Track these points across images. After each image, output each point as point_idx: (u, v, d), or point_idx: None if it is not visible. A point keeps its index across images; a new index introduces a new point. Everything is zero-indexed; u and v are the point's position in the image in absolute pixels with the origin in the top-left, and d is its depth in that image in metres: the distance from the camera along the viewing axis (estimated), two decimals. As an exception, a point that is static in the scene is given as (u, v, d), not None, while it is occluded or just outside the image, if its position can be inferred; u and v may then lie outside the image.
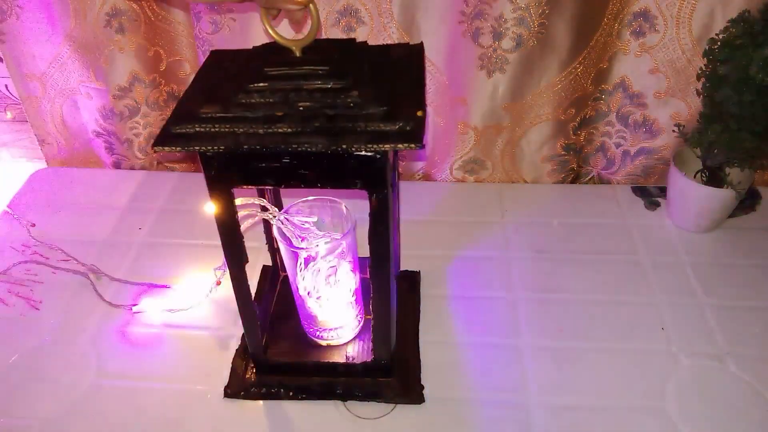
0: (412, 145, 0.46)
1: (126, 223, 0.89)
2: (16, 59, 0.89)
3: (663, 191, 0.89)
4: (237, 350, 0.70)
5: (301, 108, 0.48)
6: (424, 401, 0.64)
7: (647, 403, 0.64)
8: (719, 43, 0.72)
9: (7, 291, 0.78)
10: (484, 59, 0.81)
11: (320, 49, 0.50)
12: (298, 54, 0.49)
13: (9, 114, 1.03)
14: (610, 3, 0.76)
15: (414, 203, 0.89)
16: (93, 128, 0.96)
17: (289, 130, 0.48)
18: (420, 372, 0.67)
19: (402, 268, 0.78)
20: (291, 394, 0.65)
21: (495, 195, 0.92)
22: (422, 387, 0.65)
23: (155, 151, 0.48)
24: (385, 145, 0.47)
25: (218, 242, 0.55)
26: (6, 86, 1.00)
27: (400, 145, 0.46)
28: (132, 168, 1.00)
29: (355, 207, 0.62)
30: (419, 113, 0.48)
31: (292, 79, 0.49)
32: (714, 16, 0.76)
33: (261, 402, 0.65)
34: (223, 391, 0.66)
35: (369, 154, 0.48)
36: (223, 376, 0.67)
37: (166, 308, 0.75)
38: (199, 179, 0.52)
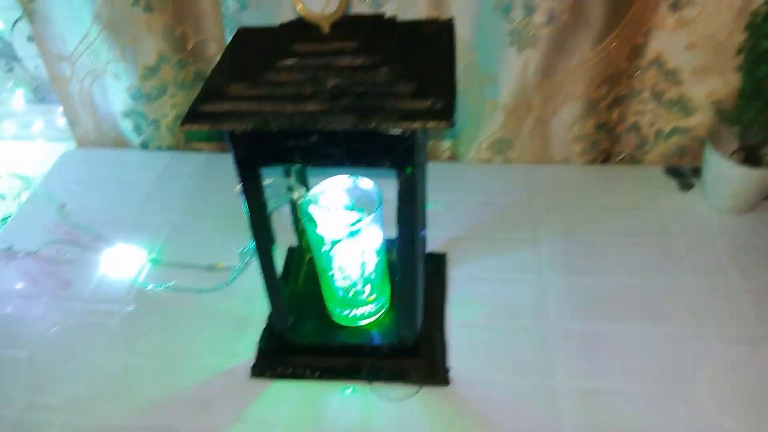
0: (443, 124, 0.45)
1: (154, 203, 0.89)
2: (46, 39, 0.90)
3: (697, 172, 0.87)
4: (264, 330, 0.70)
5: (329, 86, 0.48)
6: (449, 384, 0.64)
7: (678, 388, 0.63)
8: (762, 16, 0.69)
9: (38, 270, 0.79)
10: (515, 35, 0.79)
11: (349, 26, 0.49)
12: (326, 30, 0.49)
13: (40, 96, 1.04)
14: (646, -24, 0.74)
15: (441, 183, 0.88)
16: (121, 109, 0.96)
17: (318, 108, 0.47)
18: (446, 354, 0.67)
19: (428, 250, 0.78)
20: (317, 374, 0.65)
21: (523, 176, 0.90)
22: (448, 369, 0.65)
23: (184, 130, 0.47)
24: (415, 124, 0.46)
25: (245, 222, 0.55)
26: (36, 66, 1.01)
27: (430, 124, 0.45)
28: (160, 148, 1.00)
29: (383, 185, 0.61)
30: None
31: (321, 56, 0.48)
32: (756, -11, 0.73)
33: (287, 382, 0.66)
34: (250, 371, 0.66)
35: (398, 132, 0.47)
36: (249, 356, 0.68)
37: (194, 288, 0.75)
38: (226, 160, 0.52)
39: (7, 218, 0.89)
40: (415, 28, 0.56)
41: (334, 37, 0.48)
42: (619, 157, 0.92)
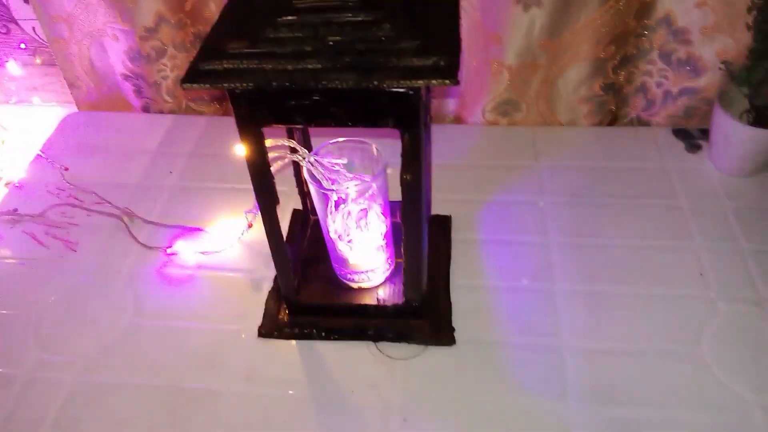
0: (447, 81, 0.44)
1: (157, 166, 0.89)
2: (43, 0, 0.88)
3: (705, 133, 0.85)
4: (270, 292, 0.71)
5: (330, 43, 0.47)
6: (454, 343, 0.65)
7: (683, 349, 0.63)
8: (775, -28, 0.67)
9: (44, 233, 0.80)
10: (521, -7, 0.77)
11: (350, -20, 0.48)
12: (327, -14, 0.47)
13: (38, 59, 1.03)
14: (657, -70, 0.72)
15: (445, 147, 0.87)
16: (121, 71, 0.95)
17: (319, 66, 0.46)
18: (451, 315, 0.67)
19: (433, 213, 0.77)
20: (323, 334, 0.66)
21: (529, 138, 0.89)
22: (453, 329, 0.65)
23: (184, 89, 0.47)
24: (419, 81, 0.45)
25: (249, 185, 0.55)
26: (33, 28, 1.00)
27: (434, 81, 0.44)
28: (161, 111, 0.99)
29: (386, 149, 0.60)
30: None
31: (322, 12, 0.47)
32: (771, -57, 0.71)
33: (294, 342, 0.66)
34: (257, 331, 0.67)
35: (401, 90, 0.46)
36: (256, 316, 0.68)
37: (199, 251, 0.76)
38: (228, 123, 0.52)
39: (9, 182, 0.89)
40: (418, -17, 0.55)
41: (335, -8, 0.47)
42: (626, 119, 0.91)
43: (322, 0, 0.47)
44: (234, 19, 0.52)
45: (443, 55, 0.46)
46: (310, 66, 0.46)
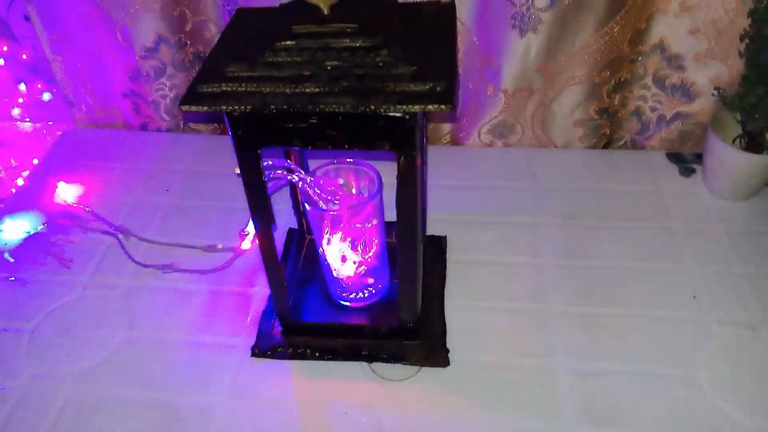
0: (443, 107, 0.45)
1: (153, 184, 0.89)
2: (44, 19, 0.89)
3: (699, 158, 0.86)
4: (264, 311, 0.71)
5: (328, 67, 0.47)
6: (449, 364, 0.64)
7: (677, 371, 0.63)
8: (766, 2, 0.68)
9: (39, 250, 0.79)
10: (517, 18, 0.79)
11: (349, 7, 0.49)
12: (326, 12, 0.48)
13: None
14: (650, -41, 0.73)
15: (441, 167, 0.88)
16: (119, 89, 0.96)
17: (317, 90, 0.47)
18: (445, 336, 0.67)
19: (428, 233, 0.78)
20: (317, 354, 0.66)
21: (524, 160, 0.90)
22: (447, 350, 0.65)
23: (182, 110, 0.47)
24: (415, 106, 0.45)
25: (245, 204, 0.55)
26: (33, 46, 1.00)
27: (430, 106, 0.45)
28: (159, 130, 1.00)
29: (382, 170, 0.61)
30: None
31: (320, 38, 0.48)
32: (761, -27, 0.72)
33: (287, 361, 0.66)
34: (250, 350, 0.67)
35: (398, 115, 0.47)
36: (250, 335, 0.68)
37: (194, 269, 0.76)
38: (226, 141, 0.52)
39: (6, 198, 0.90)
40: (415, 10, 0.56)
41: (333, 18, 0.48)
42: (621, 143, 0.92)
43: (321, 25, 0.48)
44: (233, 43, 0.53)
45: (440, 80, 0.46)
46: (308, 90, 0.47)
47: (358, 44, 0.47)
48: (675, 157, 0.88)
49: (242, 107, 0.47)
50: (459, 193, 0.85)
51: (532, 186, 0.85)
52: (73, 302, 0.73)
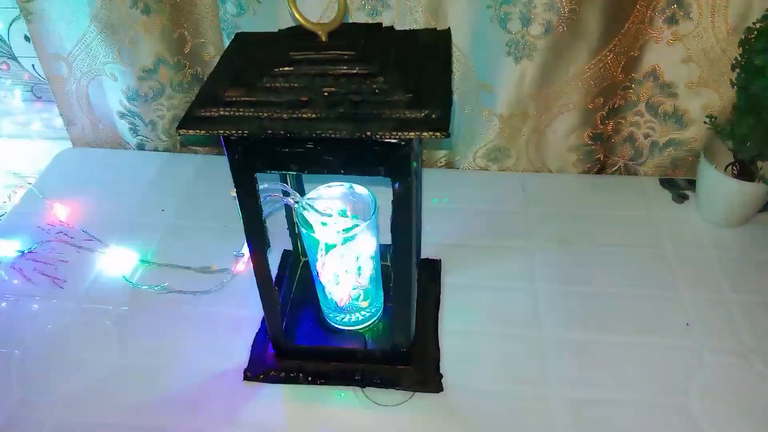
0: (438, 134, 0.45)
1: (149, 204, 0.89)
2: (43, 39, 0.90)
3: (691, 184, 0.87)
4: (257, 334, 0.70)
5: (326, 93, 0.48)
6: (442, 390, 0.64)
7: (669, 400, 0.63)
8: (756, 33, 0.70)
9: (32, 269, 0.79)
10: (512, 45, 0.80)
11: (346, 34, 0.49)
12: (323, 38, 0.49)
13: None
14: (643, -11, 0.75)
15: (436, 191, 0.88)
16: (118, 109, 0.96)
17: (314, 115, 0.47)
18: (439, 361, 0.67)
19: (423, 256, 0.78)
20: (310, 378, 0.65)
21: (518, 184, 0.90)
22: (441, 376, 0.65)
23: (180, 134, 0.48)
24: (411, 133, 0.46)
25: (240, 225, 0.55)
26: (33, 66, 1.01)
27: (425, 134, 0.46)
28: (156, 150, 1.00)
29: (378, 194, 0.61)
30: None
31: (318, 64, 0.48)
32: (751, 5, 0.73)
33: (280, 386, 0.66)
34: (243, 374, 0.66)
35: (394, 141, 0.47)
36: (242, 358, 0.68)
37: (188, 290, 0.75)
38: (222, 162, 0.52)
39: (1, 216, 0.89)
40: (412, 37, 0.57)
41: (331, 45, 0.49)
42: (614, 168, 0.93)
43: (319, 52, 0.48)
44: (232, 67, 0.53)
45: (435, 107, 0.47)
46: (305, 115, 0.47)
47: (355, 71, 0.48)
48: (668, 183, 0.89)
49: (240, 131, 0.47)
50: (454, 217, 0.85)
51: (526, 210, 0.86)
52: (65, 324, 0.73)
